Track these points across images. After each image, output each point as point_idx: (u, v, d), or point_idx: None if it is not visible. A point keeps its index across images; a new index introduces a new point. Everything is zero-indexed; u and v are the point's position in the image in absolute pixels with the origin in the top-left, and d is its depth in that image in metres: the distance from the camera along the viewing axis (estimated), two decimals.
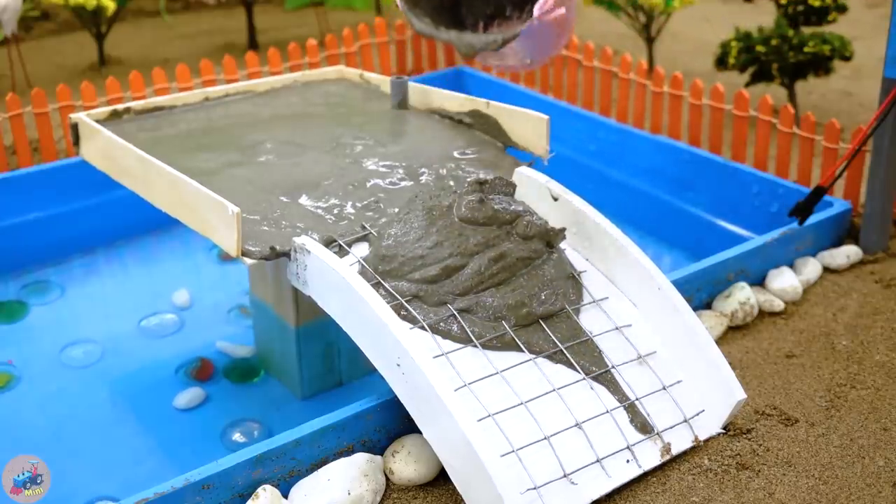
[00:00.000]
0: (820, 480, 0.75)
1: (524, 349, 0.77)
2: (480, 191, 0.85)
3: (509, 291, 0.78)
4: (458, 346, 0.75)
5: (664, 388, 0.78)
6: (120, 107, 1.02)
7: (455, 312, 0.76)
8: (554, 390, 0.75)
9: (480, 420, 0.71)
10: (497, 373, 0.74)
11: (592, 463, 0.72)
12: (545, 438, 0.72)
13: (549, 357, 0.77)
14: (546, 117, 0.94)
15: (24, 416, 0.98)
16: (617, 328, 0.81)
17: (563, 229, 0.84)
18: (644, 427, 0.76)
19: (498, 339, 0.76)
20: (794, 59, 1.52)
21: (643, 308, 0.83)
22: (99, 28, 1.94)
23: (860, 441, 0.79)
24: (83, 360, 1.07)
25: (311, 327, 0.95)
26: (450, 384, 0.70)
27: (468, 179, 0.88)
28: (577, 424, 0.73)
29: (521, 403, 0.73)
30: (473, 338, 0.75)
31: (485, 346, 0.76)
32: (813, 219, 1.07)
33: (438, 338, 0.75)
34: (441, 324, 0.76)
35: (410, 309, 0.76)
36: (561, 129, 1.33)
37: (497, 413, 0.72)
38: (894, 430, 0.81)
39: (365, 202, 0.86)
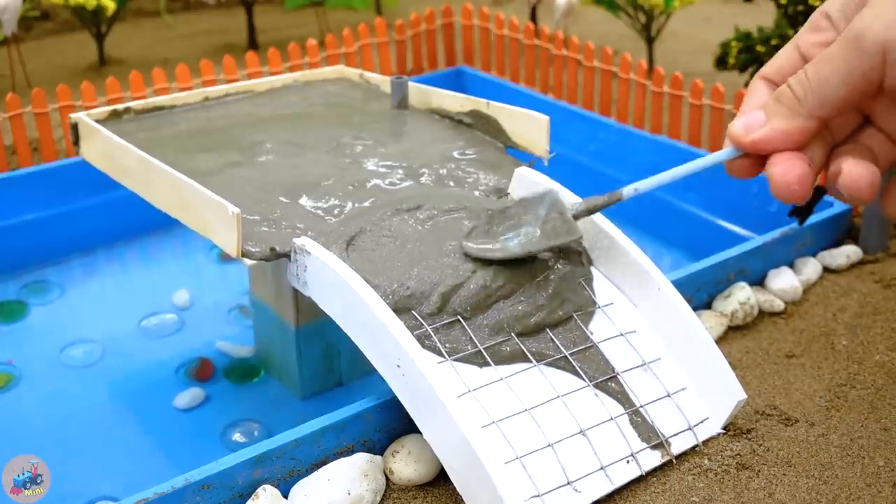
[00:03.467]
0: (820, 480, 0.75)
1: (529, 356, 0.76)
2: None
3: (516, 302, 0.78)
4: (462, 352, 0.75)
5: (668, 395, 0.78)
6: (120, 107, 1.02)
7: (460, 319, 0.76)
8: (558, 397, 0.74)
9: (484, 427, 0.70)
10: (501, 379, 0.74)
11: (596, 471, 0.72)
12: (549, 446, 0.71)
13: (554, 364, 0.77)
14: (546, 117, 0.94)
15: (24, 416, 0.98)
16: (622, 334, 0.80)
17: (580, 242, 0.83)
18: (648, 433, 0.75)
19: (502, 345, 0.76)
20: None
21: (643, 308, 0.83)
22: (99, 28, 1.94)
23: (860, 441, 0.79)
24: (83, 360, 1.07)
25: (311, 327, 0.95)
26: (453, 390, 0.70)
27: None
28: (581, 431, 0.73)
29: (525, 410, 0.73)
30: (478, 344, 0.75)
31: (489, 353, 0.75)
32: (813, 219, 1.07)
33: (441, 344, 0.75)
34: (444, 330, 0.76)
35: (415, 314, 0.75)
36: (561, 129, 1.33)
37: (501, 420, 0.71)
38: (894, 430, 0.81)
39: (365, 203, 0.86)
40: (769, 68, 0.66)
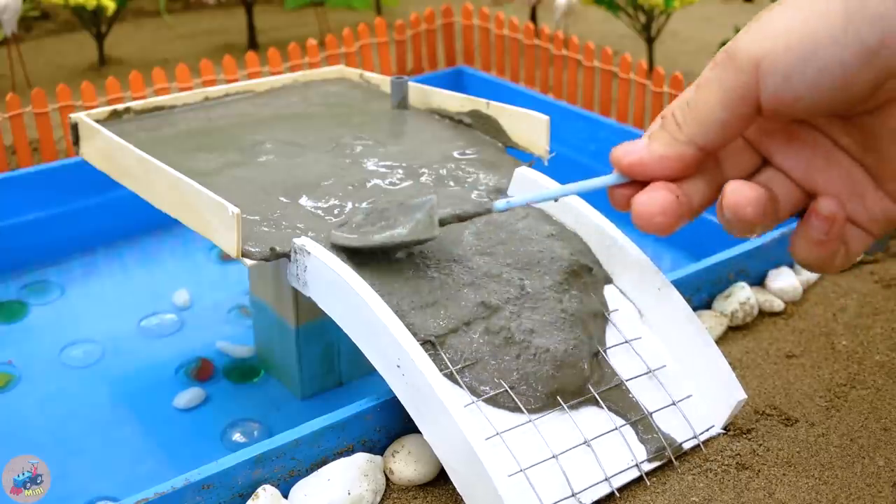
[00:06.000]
0: (820, 480, 0.75)
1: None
2: None
3: (521, 310, 0.77)
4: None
5: (674, 404, 0.78)
6: (120, 107, 1.02)
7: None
8: (562, 406, 0.74)
9: (488, 439, 0.70)
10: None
11: (601, 482, 0.72)
12: (553, 457, 0.71)
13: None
14: (546, 117, 0.94)
15: (24, 416, 0.98)
16: (626, 341, 0.80)
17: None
18: (653, 444, 0.75)
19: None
20: None
21: (643, 310, 0.83)
22: (99, 28, 1.94)
23: (860, 441, 0.79)
24: (83, 360, 1.07)
25: (311, 327, 0.95)
26: (457, 399, 0.69)
27: None
28: (585, 442, 0.73)
29: (529, 421, 0.72)
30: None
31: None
32: None
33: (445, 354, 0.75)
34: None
35: (417, 322, 0.75)
36: (561, 129, 1.33)
37: (504, 431, 0.71)
38: (894, 430, 0.81)
39: (365, 203, 0.86)
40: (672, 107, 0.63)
